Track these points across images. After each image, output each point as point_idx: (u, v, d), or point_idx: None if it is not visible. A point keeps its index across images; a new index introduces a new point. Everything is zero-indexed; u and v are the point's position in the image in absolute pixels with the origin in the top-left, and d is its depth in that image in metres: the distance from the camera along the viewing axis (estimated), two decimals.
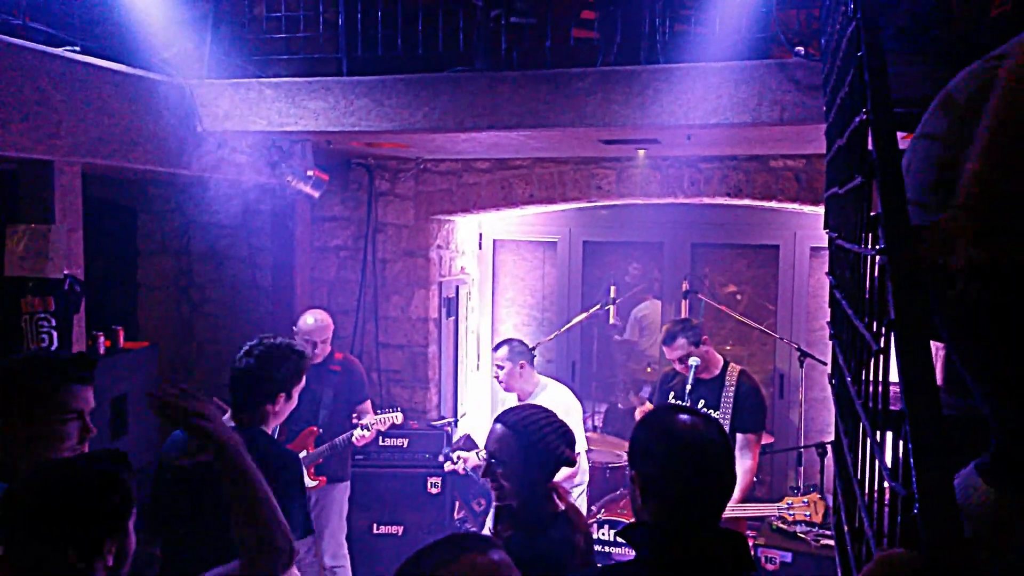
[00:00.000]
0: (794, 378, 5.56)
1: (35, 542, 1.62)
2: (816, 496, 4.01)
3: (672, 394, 4.25)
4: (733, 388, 4.05)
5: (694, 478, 1.60)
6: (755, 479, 4.57)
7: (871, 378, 1.20)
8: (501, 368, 4.34)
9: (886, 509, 1.02)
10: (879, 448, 1.03)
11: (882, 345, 1.05)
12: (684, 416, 1.70)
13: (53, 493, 1.66)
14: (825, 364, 4.90)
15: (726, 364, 4.18)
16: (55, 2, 4.17)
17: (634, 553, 1.65)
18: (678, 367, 4.15)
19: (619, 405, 6.52)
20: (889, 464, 1.05)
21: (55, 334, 3.68)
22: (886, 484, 1.15)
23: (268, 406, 2.64)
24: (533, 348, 4.75)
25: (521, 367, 4.32)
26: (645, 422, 1.73)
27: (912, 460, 0.82)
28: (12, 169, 3.80)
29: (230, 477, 1.84)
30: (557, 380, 4.55)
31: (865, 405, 1.21)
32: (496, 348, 4.45)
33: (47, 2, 4.13)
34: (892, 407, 1.17)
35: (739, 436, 4.02)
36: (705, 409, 4.02)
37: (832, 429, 5.69)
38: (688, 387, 4.00)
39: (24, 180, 3.72)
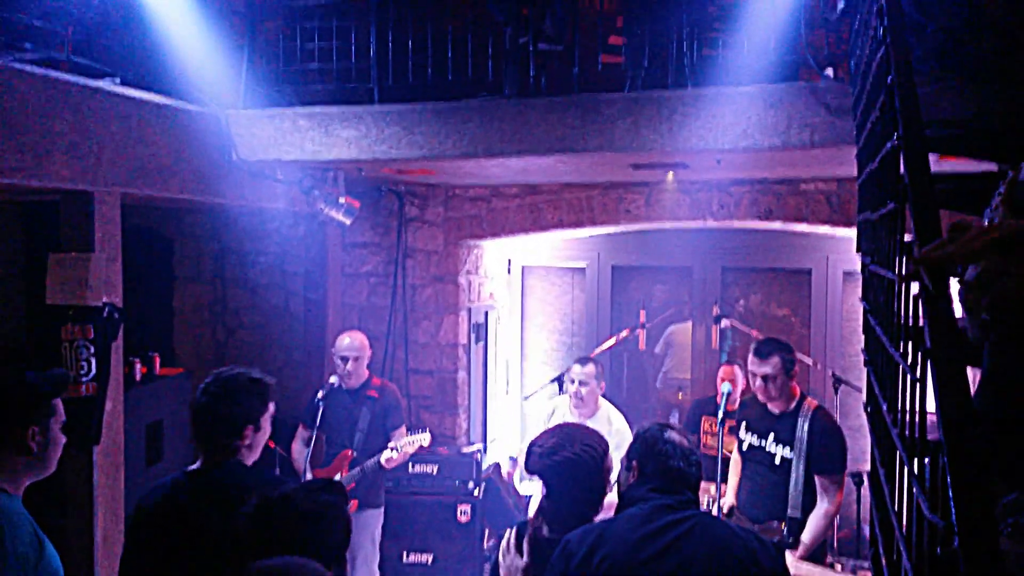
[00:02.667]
0: (828, 405, 5.47)
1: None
2: None
3: (744, 423, 3.95)
4: (807, 424, 3.70)
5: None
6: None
7: (907, 407, 1.18)
8: (585, 385, 4.29)
9: (925, 540, 1.00)
10: (917, 479, 1.01)
11: (919, 374, 1.04)
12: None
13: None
14: (860, 391, 4.82)
15: (802, 397, 3.81)
16: (97, 36, 4.30)
17: None
18: (761, 397, 3.79)
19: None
20: (919, 495, 1.04)
21: (93, 361, 3.75)
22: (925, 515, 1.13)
23: (237, 441, 2.48)
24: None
25: (601, 387, 4.38)
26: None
27: (951, 491, 0.81)
28: (54, 200, 3.90)
29: None
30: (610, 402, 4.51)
31: (901, 434, 1.19)
32: (583, 363, 4.38)
33: (90, 37, 4.26)
34: (929, 436, 1.15)
35: (816, 478, 3.69)
36: (777, 444, 3.75)
37: (867, 457, 5.58)
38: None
39: (65, 210, 3.82)
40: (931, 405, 1.12)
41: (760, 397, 3.80)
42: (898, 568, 1.19)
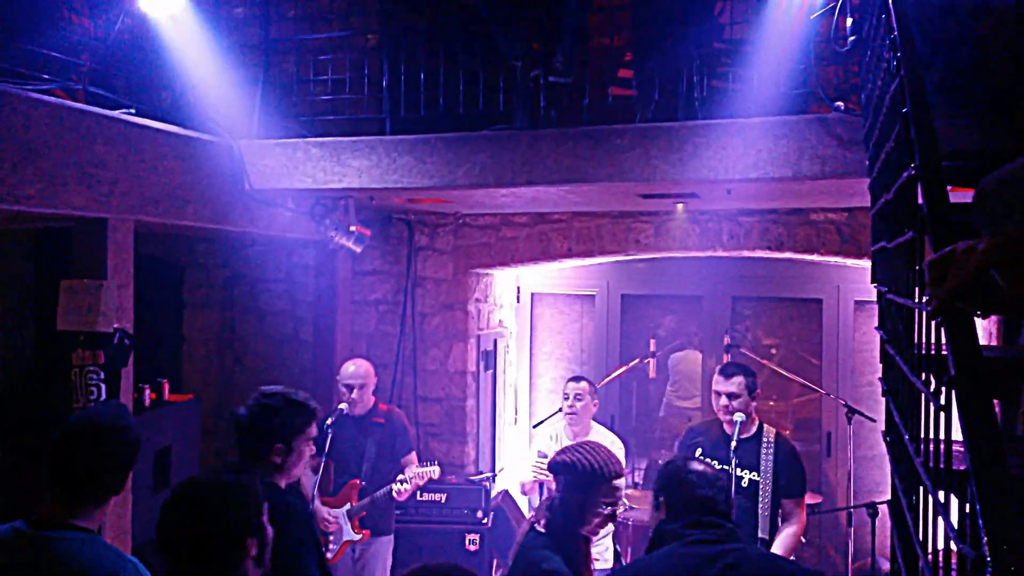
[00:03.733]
0: (841, 435, 5.42)
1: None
2: None
3: (700, 450, 3.98)
4: (772, 450, 3.87)
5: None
6: (802, 540, 4.39)
7: (931, 436, 1.17)
8: (580, 400, 4.42)
9: (954, 572, 0.98)
10: (943, 508, 1.00)
11: (943, 402, 1.03)
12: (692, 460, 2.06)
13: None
14: (874, 421, 4.79)
15: (761, 424, 3.99)
16: (113, 67, 4.37)
17: None
18: (722, 415, 3.93)
19: (659, 461, 6.41)
20: (946, 525, 1.02)
21: (103, 387, 3.75)
22: (951, 545, 1.11)
23: (267, 457, 2.63)
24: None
25: (595, 405, 4.51)
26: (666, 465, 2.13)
27: (980, 521, 0.80)
28: (65, 227, 3.93)
29: None
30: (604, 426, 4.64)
31: (925, 464, 1.18)
32: (577, 380, 4.51)
33: (105, 67, 4.33)
34: (954, 466, 1.14)
35: (784, 501, 3.85)
36: (742, 471, 3.83)
37: (882, 488, 5.52)
38: (733, 444, 3.86)
39: (78, 237, 3.84)
40: (955, 433, 1.11)
41: (721, 416, 3.94)
42: None
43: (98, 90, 4.10)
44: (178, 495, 1.95)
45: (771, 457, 3.86)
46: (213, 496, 1.93)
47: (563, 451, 2.72)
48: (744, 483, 3.83)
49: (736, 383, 3.88)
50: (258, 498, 1.99)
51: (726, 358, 5.39)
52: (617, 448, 4.39)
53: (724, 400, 3.90)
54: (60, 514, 2.03)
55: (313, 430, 2.79)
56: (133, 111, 4.04)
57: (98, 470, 2.09)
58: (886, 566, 5.09)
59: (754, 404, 3.95)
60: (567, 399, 4.46)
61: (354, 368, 4.59)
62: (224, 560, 1.89)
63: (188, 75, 4.52)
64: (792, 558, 3.86)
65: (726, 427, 3.94)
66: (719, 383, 3.95)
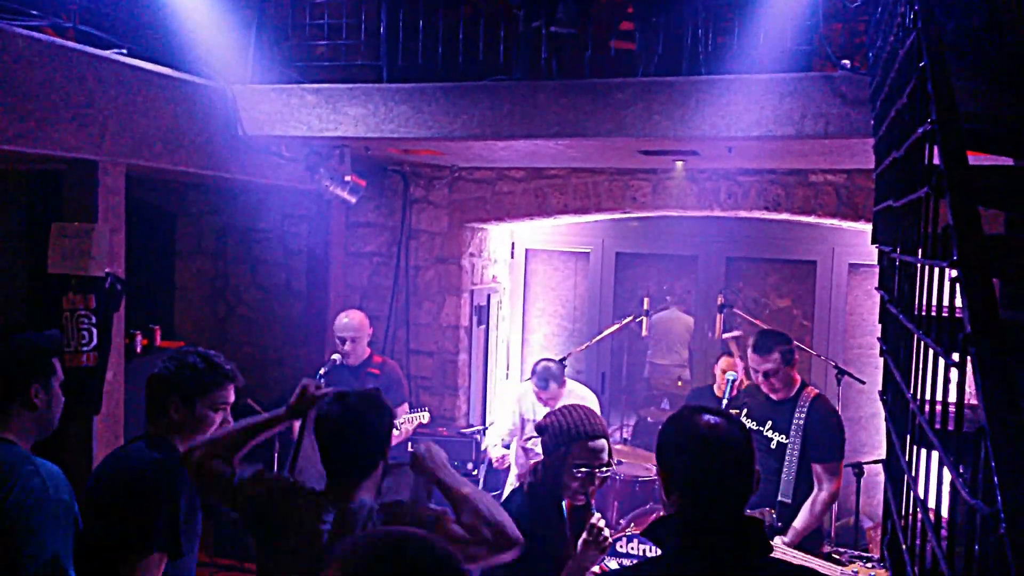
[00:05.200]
0: (830, 396, 5.47)
1: None
2: (884, 573, 3.73)
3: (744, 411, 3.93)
4: (805, 412, 3.70)
5: (715, 476, 1.65)
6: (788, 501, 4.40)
7: (937, 395, 1.16)
8: (555, 399, 4.45)
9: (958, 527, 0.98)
10: (952, 466, 1.00)
11: (956, 359, 1.02)
12: (705, 415, 1.73)
13: None
14: (863, 383, 4.83)
15: (803, 385, 3.81)
16: (103, 6, 4.26)
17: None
18: (759, 380, 3.78)
19: (648, 419, 6.46)
20: (956, 480, 1.02)
21: (95, 331, 3.73)
22: (943, 505, 1.11)
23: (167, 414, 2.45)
24: (564, 359, 4.74)
25: (563, 385, 4.57)
26: (673, 419, 1.78)
27: (995, 478, 0.79)
28: (58, 169, 3.86)
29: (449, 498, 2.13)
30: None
31: (931, 421, 1.18)
32: (547, 381, 4.49)
33: (96, 6, 4.21)
34: (951, 424, 1.14)
35: (814, 466, 3.68)
36: (773, 432, 3.74)
37: (867, 449, 5.58)
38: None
39: (69, 180, 3.78)
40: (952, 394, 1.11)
41: (764, 390, 3.79)
42: (922, 555, 1.18)
43: (88, 28, 3.99)
44: None
45: (803, 420, 3.69)
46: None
47: (546, 415, 2.71)
48: (772, 445, 3.72)
49: (773, 360, 3.69)
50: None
51: (719, 318, 5.40)
52: (590, 402, 4.46)
53: (761, 378, 3.75)
54: None
55: (226, 395, 2.52)
56: (125, 51, 3.94)
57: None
58: (868, 524, 5.18)
59: (793, 371, 3.78)
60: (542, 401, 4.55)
61: (347, 320, 4.58)
62: None
63: (181, 16, 4.40)
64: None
65: (771, 395, 3.79)
66: (755, 361, 3.76)
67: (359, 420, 2.14)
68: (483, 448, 5.29)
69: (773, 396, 3.78)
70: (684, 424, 1.72)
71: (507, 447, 4.92)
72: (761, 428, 3.79)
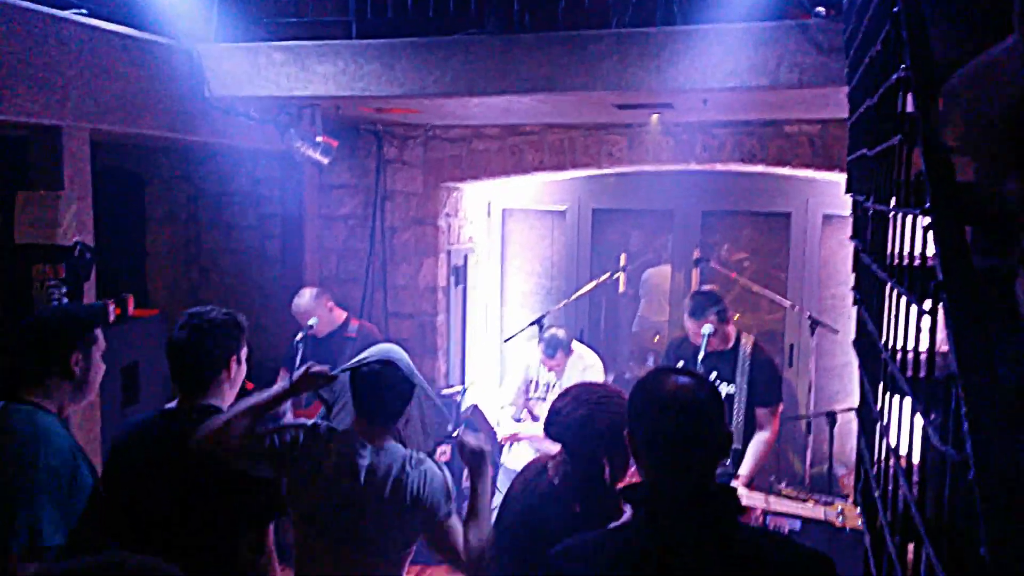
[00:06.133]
0: (804, 347, 5.54)
1: None
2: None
3: (682, 362, 4.18)
4: (748, 361, 3.97)
5: (678, 440, 1.57)
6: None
7: (909, 343, 1.17)
8: (560, 366, 4.50)
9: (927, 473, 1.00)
10: (923, 413, 1.01)
11: (928, 307, 1.03)
12: (674, 377, 1.65)
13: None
14: (836, 332, 4.88)
15: (739, 335, 4.11)
16: None
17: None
18: (698, 342, 4.01)
19: (626, 375, 6.52)
20: (928, 426, 1.03)
21: (65, 301, 3.67)
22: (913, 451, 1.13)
23: (220, 375, 2.45)
24: (541, 318, 4.75)
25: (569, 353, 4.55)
26: (639, 383, 1.69)
27: (965, 423, 0.80)
28: (21, 136, 3.76)
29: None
30: None
31: (903, 369, 1.19)
32: (556, 350, 4.45)
33: None
34: (923, 371, 1.15)
35: (757, 410, 3.96)
36: (719, 382, 3.95)
37: (840, 398, 5.67)
38: (700, 356, 3.95)
39: (33, 147, 3.69)
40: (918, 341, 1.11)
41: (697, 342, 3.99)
42: (894, 501, 1.20)
43: None
44: None
45: (747, 369, 3.95)
46: None
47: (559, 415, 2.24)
48: (722, 396, 3.90)
49: (710, 322, 3.94)
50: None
51: (695, 272, 5.42)
52: (597, 371, 4.54)
53: (701, 340, 3.94)
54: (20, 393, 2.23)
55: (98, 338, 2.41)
56: (85, 12, 3.82)
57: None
58: (841, 471, 5.29)
59: (730, 327, 4.04)
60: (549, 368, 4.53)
61: (296, 301, 4.60)
62: None
63: None
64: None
65: (695, 339, 4.03)
66: (691, 325, 4.00)
67: (390, 378, 2.44)
68: (463, 409, 5.31)
69: (697, 342, 3.99)
70: (648, 387, 1.65)
71: (517, 420, 4.80)
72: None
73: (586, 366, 4.54)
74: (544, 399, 4.58)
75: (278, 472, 2.37)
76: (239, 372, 2.51)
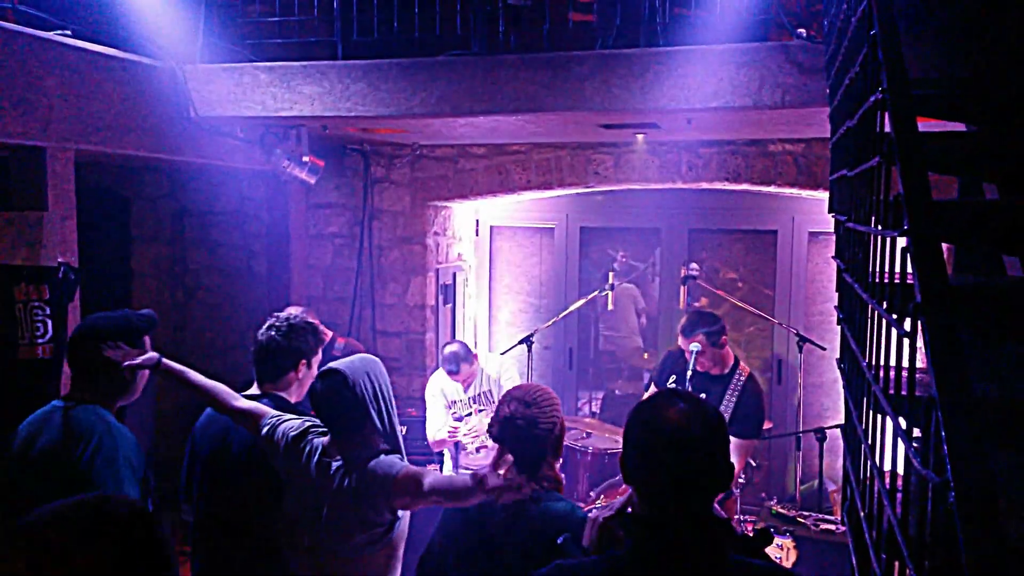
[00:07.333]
0: (792, 363, 5.56)
1: None
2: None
3: (674, 377, 4.19)
4: (738, 392, 3.97)
5: (679, 476, 1.51)
6: (754, 465, 4.57)
7: (890, 362, 1.17)
8: (472, 376, 4.67)
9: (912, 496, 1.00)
10: (905, 435, 1.01)
11: (907, 328, 1.03)
12: (676, 408, 1.55)
13: None
14: (824, 349, 4.90)
15: (736, 363, 4.10)
16: None
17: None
18: (689, 359, 4.03)
19: (616, 392, 6.51)
20: (908, 449, 1.03)
21: (50, 322, 3.64)
22: (899, 468, 1.13)
23: (292, 373, 2.83)
24: (530, 336, 4.73)
25: (474, 361, 4.72)
26: (638, 410, 1.62)
27: (946, 448, 0.80)
28: (4, 156, 3.74)
29: None
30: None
31: (885, 390, 1.19)
32: (457, 364, 4.55)
33: None
34: (903, 391, 1.15)
35: (732, 440, 3.96)
36: None
37: (829, 414, 5.68)
38: (688, 373, 3.95)
39: (16, 167, 3.67)
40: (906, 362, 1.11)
41: (699, 368, 4.04)
42: (878, 521, 1.20)
43: (30, 9, 3.85)
44: None
45: (735, 398, 3.96)
46: None
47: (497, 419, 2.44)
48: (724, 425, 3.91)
49: (698, 341, 3.97)
50: None
51: (683, 290, 5.42)
52: (509, 365, 4.85)
53: (691, 358, 3.98)
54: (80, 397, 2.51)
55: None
56: (69, 33, 3.81)
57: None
58: (832, 487, 5.29)
59: (723, 351, 4.05)
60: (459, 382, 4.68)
61: None
62: None
63: None
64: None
65: (688, 355, 4.04)
66: (681, 341, 4.07)
67: (327, 390, 2.48)
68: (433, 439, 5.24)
69: (708, 371, 4.04)
70: (648, 418, 1.58)
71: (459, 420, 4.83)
72: None
73: (500, 364, 4.79)
74: (471, 414, 4.68)
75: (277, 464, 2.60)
76: (308, 375, 2.84)
